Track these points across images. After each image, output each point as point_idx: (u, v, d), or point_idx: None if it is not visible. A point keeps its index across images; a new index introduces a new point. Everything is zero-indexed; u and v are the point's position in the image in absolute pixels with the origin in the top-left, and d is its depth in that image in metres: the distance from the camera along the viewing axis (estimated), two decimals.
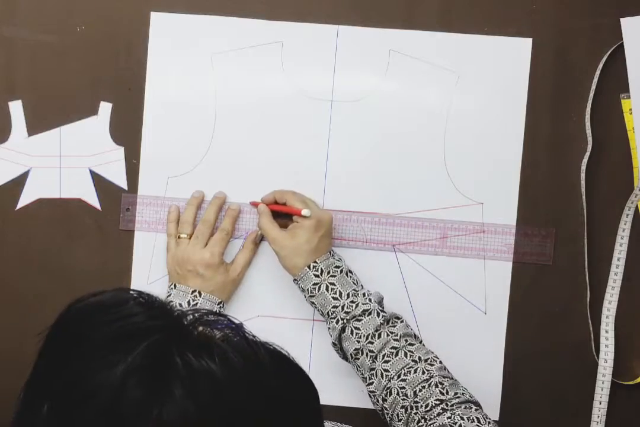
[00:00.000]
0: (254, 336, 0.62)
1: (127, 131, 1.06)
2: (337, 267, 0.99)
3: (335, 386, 1.06)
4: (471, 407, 0.88)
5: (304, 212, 0.99)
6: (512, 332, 1.04)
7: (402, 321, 0.97)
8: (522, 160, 1.04)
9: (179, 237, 1.03)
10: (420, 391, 0.90)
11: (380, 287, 1.04)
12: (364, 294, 0.97)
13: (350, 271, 1.00)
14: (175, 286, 1.01)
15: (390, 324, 0.95)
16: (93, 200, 1.06)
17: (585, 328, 1.04)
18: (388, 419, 0.93)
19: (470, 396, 0.90)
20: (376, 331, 0.94)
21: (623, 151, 1.04)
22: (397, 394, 0.91)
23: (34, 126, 1.06)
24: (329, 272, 0.98)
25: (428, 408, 0.88)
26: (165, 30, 1.05)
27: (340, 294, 0.97)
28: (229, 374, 0.55)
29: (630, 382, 1.04)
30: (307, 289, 0.98)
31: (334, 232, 1.03)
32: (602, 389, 1.03)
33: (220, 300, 1.01)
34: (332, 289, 0.97)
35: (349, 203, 1.04)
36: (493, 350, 1.04)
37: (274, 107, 1.05)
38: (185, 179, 1.06)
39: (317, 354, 1.05)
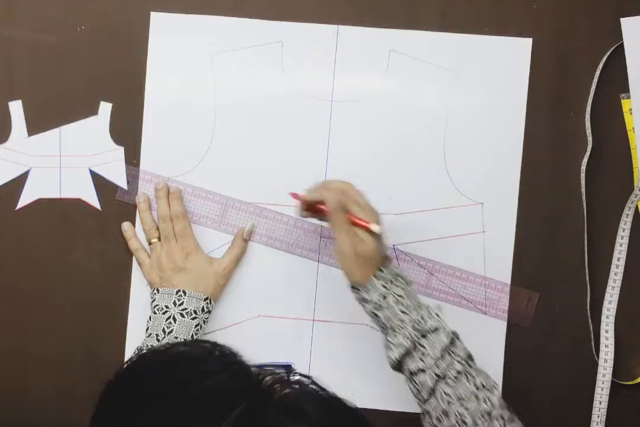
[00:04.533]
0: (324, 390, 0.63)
1: (127, 131, 1.06)
2: (398, 275, 0.91)
3: (336, 386, 1.05)
4: None
5: (374, 228, 0.89)
6: (512, 332, 1.04)
7: (459, 338, 0.90)
8: (522, 160, 1.04)
9: (150, 243, 1.04)
10: (480, 419, 0.85)
11: None
12: (427, 307, 0.90)
13: (411, 281, 0.93)
14: (158, 290, 1.02)
15: (452, 343, 0.89)
16: (93, 200, 1.06)
17: (585, 328, 1.04)
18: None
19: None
20: (443, 350, 0.87)
21: (623, 151, 1.04)
22: (456, 421, 0.86)
23: (34, 126, 1.06)
24: (392, 281, 0.90)
25: None
26: (165, 30, 1.05)
27: (408, 307, 0.88)
28: None
29: (630, 382, 1.04)
30: (372, 301, 0.90)
31: (331, 231, 1.03)
32: (602, 389, 1.03)
33: (206, 296, 1.01)
34: (400, 301, 0.89)
35: None
36: (493, 350, 1.04)
37: (274, 107, 1.05)
38: (185, 179, 1.06)
39: (317, 354, 1.05)
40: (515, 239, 1.04)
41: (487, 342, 1.04)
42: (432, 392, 0.88)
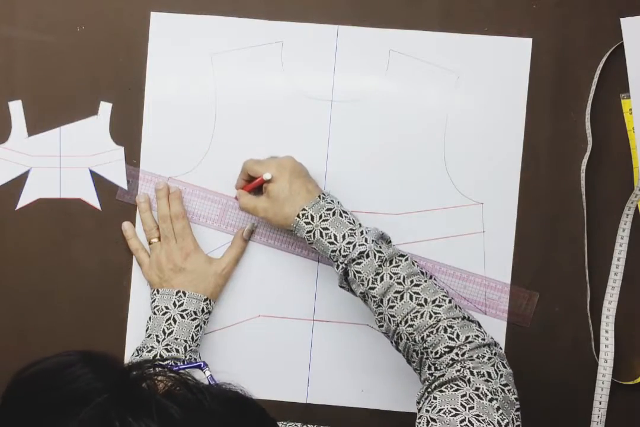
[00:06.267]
0: (209, 381, 0.64)
1: (127, 131, 1.06)
2: (329, 209, 0.95)
3: (335, 386, 1.06)
4: (484, 356, 0.85)
5: (265, 176, 0.97)
6: (512, 332, 1.04)
7: (406, 259, 0.92)
8: (522, 160, 1.04)
9: (150, 243, 1.04)
10: (428, 336, 0.87)
11: None
12: (361, 233, 0.93)
13: (345, 211, 0.96)
14: (158, 291, 1.02)
15: (393, 263, 0.91)
16: (93, 200, 1.06)
17: (585, 328, 1.04)
18: (405, 359, 0.92)
19: (483, 339, 0.87)
20: (377, 273, 0.90)
21: (623, 151, 1.04)
22: (407, 339, 0.89)
23: (34, 126, 1.06)
24: (320, 217, 0.94)
25: (438, 355, 0.86)
26: (165, 30, 1.05)
27: (336, 237, 0.93)
28: None
29: (630, 382, 1.04)
30: (304, 238, 0.96)
31: None
32: (602, 389, 1.03)
33: (205, 297, 1.01)
34: (326, 234, 0.93)
35: (349, 203, 1.04)
36: None
37: (274, 107, 1.05)
38: (186, 179, 1.06)
39: (317, 354, 1.05)
40: (515, 239, 1.04)
41: None
42: (381, 315, 0.91)
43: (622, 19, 1.03)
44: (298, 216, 0.95)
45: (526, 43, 1.04)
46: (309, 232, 0.95)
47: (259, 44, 1.05)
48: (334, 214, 0.95)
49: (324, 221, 0.94)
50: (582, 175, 1.04)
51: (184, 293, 1.00)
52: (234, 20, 1.05)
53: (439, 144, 1.05)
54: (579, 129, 1.04)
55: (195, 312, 1.00)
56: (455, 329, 0.87)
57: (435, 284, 0.91)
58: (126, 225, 1.05)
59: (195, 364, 0.72)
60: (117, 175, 1.06)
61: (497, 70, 1.04)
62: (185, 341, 0.99)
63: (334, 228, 0.94)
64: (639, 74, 1.02)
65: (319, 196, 0.96)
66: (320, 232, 0.94)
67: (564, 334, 1.04)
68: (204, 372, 0.72)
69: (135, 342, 1.02)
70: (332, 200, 0.97)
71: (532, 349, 1.05)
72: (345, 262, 0.92)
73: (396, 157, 1.05)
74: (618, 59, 1.03)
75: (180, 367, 0.65)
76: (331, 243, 0.93)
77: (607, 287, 1.04)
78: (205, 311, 1.01)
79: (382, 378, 1.05)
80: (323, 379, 1.06)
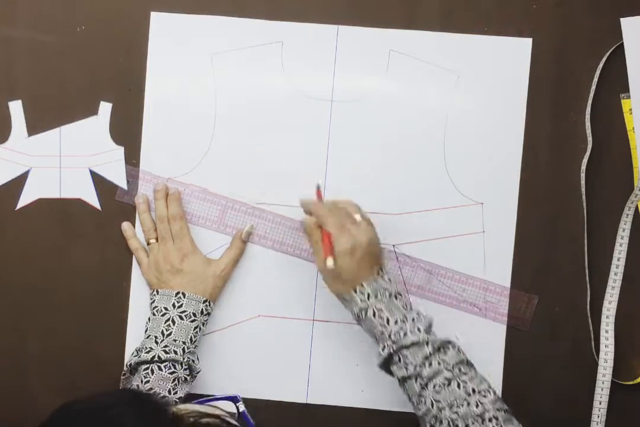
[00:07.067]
0: (241, 415, 0.66)
1: (127, 131, 1.06)
2: (385, 289, 0.93)
3: (335, 385, 1.06)
4: None
5: (328, 263, 0.93)
6: (512, 333, 1.04)
7: (454, 347, 0.92)
8: (522, 160, 1.04)
9: (148, 243, 1.04)
10: (472, 423, 0.87)
11: None
12: (413, 320, 0.92)
13: (400, 293, 0.94)
14: (157, 291, 1.02)
15: (441, 351, 0.91)
16: (93, 200, 1.06)
17: (585, 328, 1.04)
18: None
19: None
20: (426, 359, 0.90)
21: (623, 151, 1.04)
22: (448, 424, 0.88)
23: (34, 126, 1.06)
24: (376, 296, 0.93)
25: None
26: (165, 30, 1.05)
27: (388, 320, 0.92)
28: None
29: (630, 382, 1.04)
30: (354, 313, 0.94)
31: None
32: (602, 389, 1.03)
33: (205, 298, 1.01)
34: (379, 315, 0.92)
35: None
36: (493, 352, 1.04)
37: (274, 107, 1.05)
38: (185, 179, 1.06)
39: (317, 354, 1.05)
40: (515, 239, 1.04)
41: (487, 344, 1.04)
42: (422, 398, 0.90)
43: (622, 19, 1.03)
44: (354, 290, 0.93)
45: (526, 43, 1.04)
46: (362, 309, 0.93)
47: (259, 44, 1.05)
48: (389, 295, 0.93)
49: (379, 301, 0.93)
50: (582, 175, 1.03)
51: (184, 294, 1.00)
52: (234, 20, 1.05)
53: (439, 144, 1.05)
54: (579, 129, 1.04)
55: (194, 314, 1.00)
56: (500, 422, 0.87)
57: (479, 374, 0.92)
58: (126, 225, 1.05)
59: (229, 396, 0.71)
60: (117, 176, 1.06)
61: (497, 70, 1.04)
62: (184, 343, 0.99)
63: (388, 311, 0.92)
64: (639, 74, 1.02)
65: (379, 272, 0.95)
66: (374, 313, 0.93)
67: (564, 334, 1.04)
68: (238, 407, 0.70)
69: (135, 342, 1.02)
70: (390, 279, 0.95)
71: (532, 349, 1.05)
72: (395, 347, 0.91)
73: (396, 157, 1.05)
74: (618, 59, 1.03)
75: (215, 398, 0.64)
76: (382, 325, 0.92)
77: (607, 287, 1.04)
78: (205, 312, 1.01)
79: (382, 378, 1.05)
80: (323, 379, 1.06)
